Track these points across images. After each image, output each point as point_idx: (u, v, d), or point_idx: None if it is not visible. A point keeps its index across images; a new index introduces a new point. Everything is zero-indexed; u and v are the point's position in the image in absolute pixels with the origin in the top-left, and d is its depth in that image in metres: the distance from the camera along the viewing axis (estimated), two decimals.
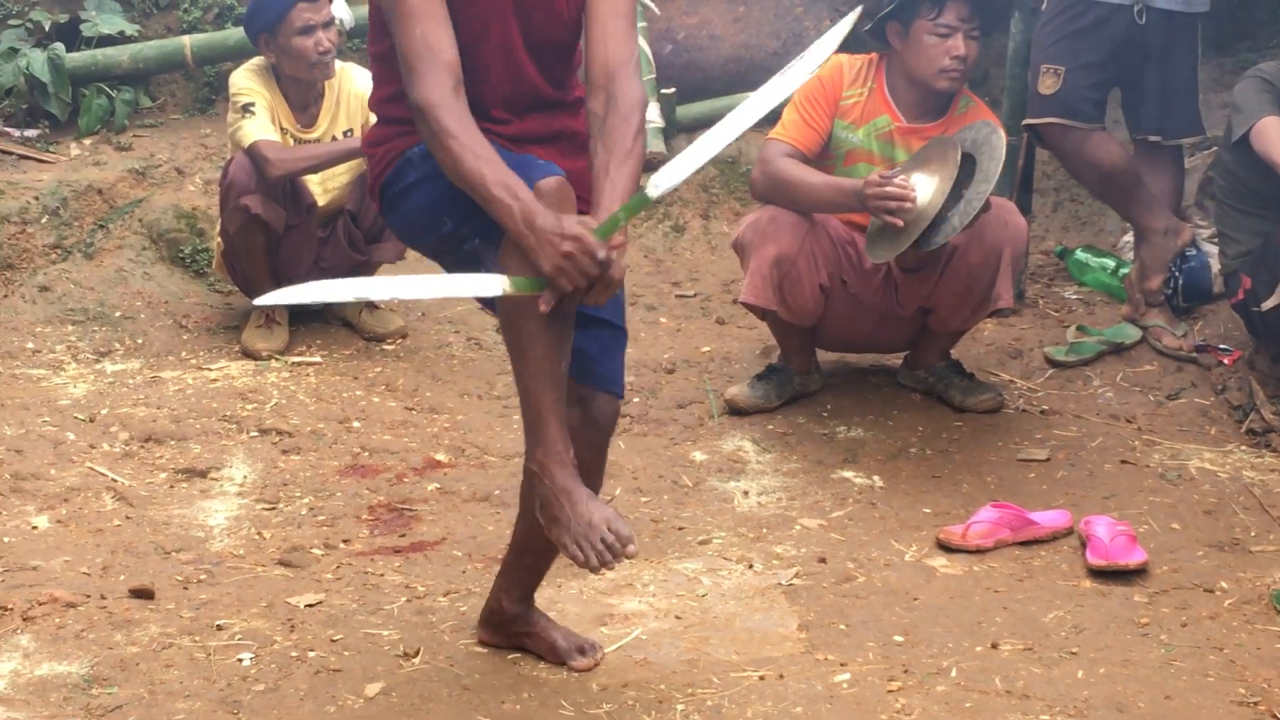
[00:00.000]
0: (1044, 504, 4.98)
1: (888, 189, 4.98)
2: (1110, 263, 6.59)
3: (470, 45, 3.45)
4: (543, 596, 4.24)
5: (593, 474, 3.71)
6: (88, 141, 7.53)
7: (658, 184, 3.39)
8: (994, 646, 4.12)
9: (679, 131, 7.45)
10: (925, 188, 5.02)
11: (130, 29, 7.77)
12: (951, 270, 5.31)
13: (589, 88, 3.50)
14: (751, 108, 3.53)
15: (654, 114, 7.35)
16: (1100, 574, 4.52)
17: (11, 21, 7.73)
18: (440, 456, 5.32)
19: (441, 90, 3.33)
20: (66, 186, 7.00)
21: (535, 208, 3.22)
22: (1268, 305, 5.45)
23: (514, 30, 3.51)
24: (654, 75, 7.38)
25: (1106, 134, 6.03)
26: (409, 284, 3.75)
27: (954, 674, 3.98)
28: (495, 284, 3.31)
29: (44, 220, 6.85)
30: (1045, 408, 5.70)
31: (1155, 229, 6.06)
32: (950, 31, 5.27)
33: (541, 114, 3.62)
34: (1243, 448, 5.41)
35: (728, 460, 5.34)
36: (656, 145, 7.32)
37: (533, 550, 3.89)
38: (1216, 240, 5.92)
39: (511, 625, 4.02)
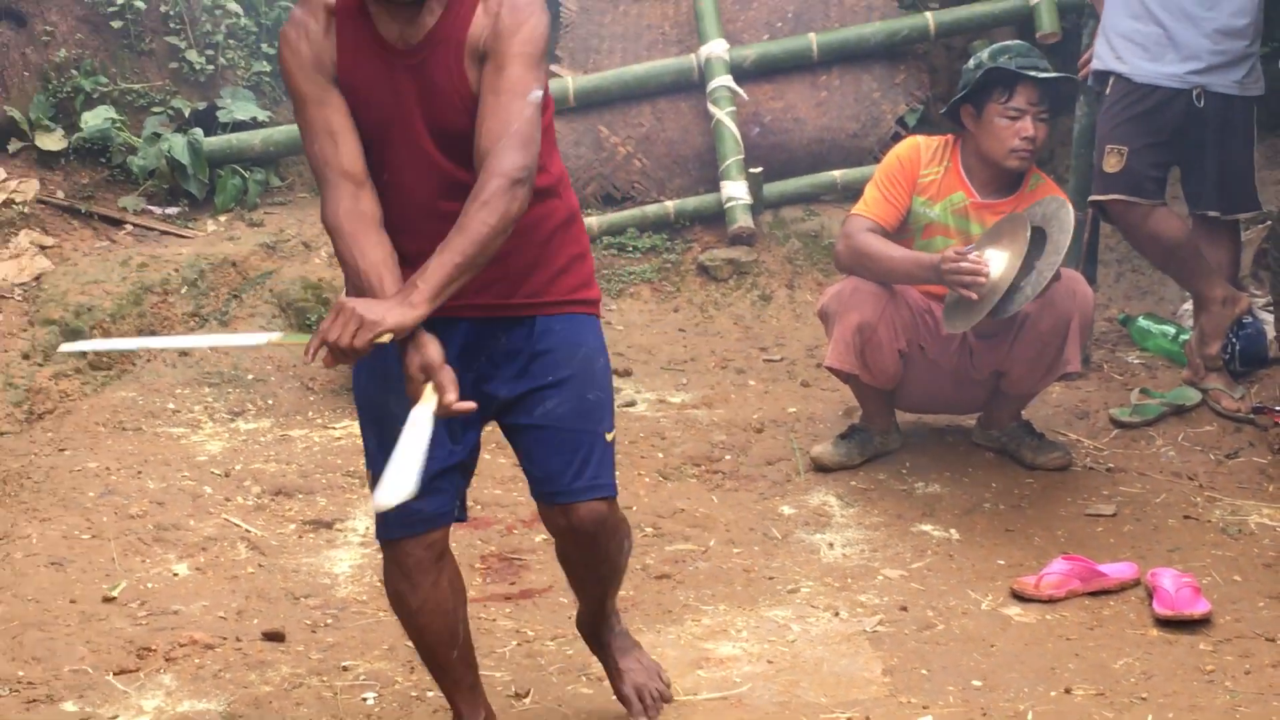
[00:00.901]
0: (1112, 556, 4.93)
1: (963, 264, 4.96)
2: (1171, 329, 6.54)
3: (379, 141, 3.33)
4: (645, 640, 4.23)
5: (590, 568, 3.68)
6: (223, 218, 7.62)
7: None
8: (1067, 691, 4.08)
9: (766, 208, 7.45)
10: (998, 262, 5.00)
11: (262, 115, 7.87)
12: (1023, 336, 5.29)
13: (477, 168, 3.23)
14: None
15: (742, 191, 7.36)
16: (1167, 623, 4.47)
17: (155, 109, 7.84)
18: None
19: (337, 207, 3.24)
20: (204, 260, 7.07)
21: (377, 292, 3.14)
22: None
23: (418, 123, 3.31)
24: (741, 155, 7.40)
25: (1168, 209, 5.98)
26: (192, 339, 3.55)
27: (1030, 717, 3.94)
28: (264, 337, 3.25)
29: (184, 290, 6.93)
30: (1111, 465, 5.65)
31: (1214, 298, 6.01)
32: (1020, 114, 5.25)
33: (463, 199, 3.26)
34: None
35: (814, 514, 5.32)
36: (745, 220, 7.33)
37: (582, 597, 3.89)
38: (1272, 308, 5.87)
39: (592, 645, 4.00)
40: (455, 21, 3.26)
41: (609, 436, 3.54)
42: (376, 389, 3.43)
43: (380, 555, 4.82)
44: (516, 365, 3.46)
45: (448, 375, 3.10)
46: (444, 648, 3.63)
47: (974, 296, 4.96)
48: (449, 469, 3.45)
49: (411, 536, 3.47)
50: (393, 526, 3.44)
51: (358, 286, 3.21)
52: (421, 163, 3.34)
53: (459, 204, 3.18)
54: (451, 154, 3.32)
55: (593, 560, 3.64)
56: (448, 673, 3.67)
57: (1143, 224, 5.96)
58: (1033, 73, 5.21)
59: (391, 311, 3.05)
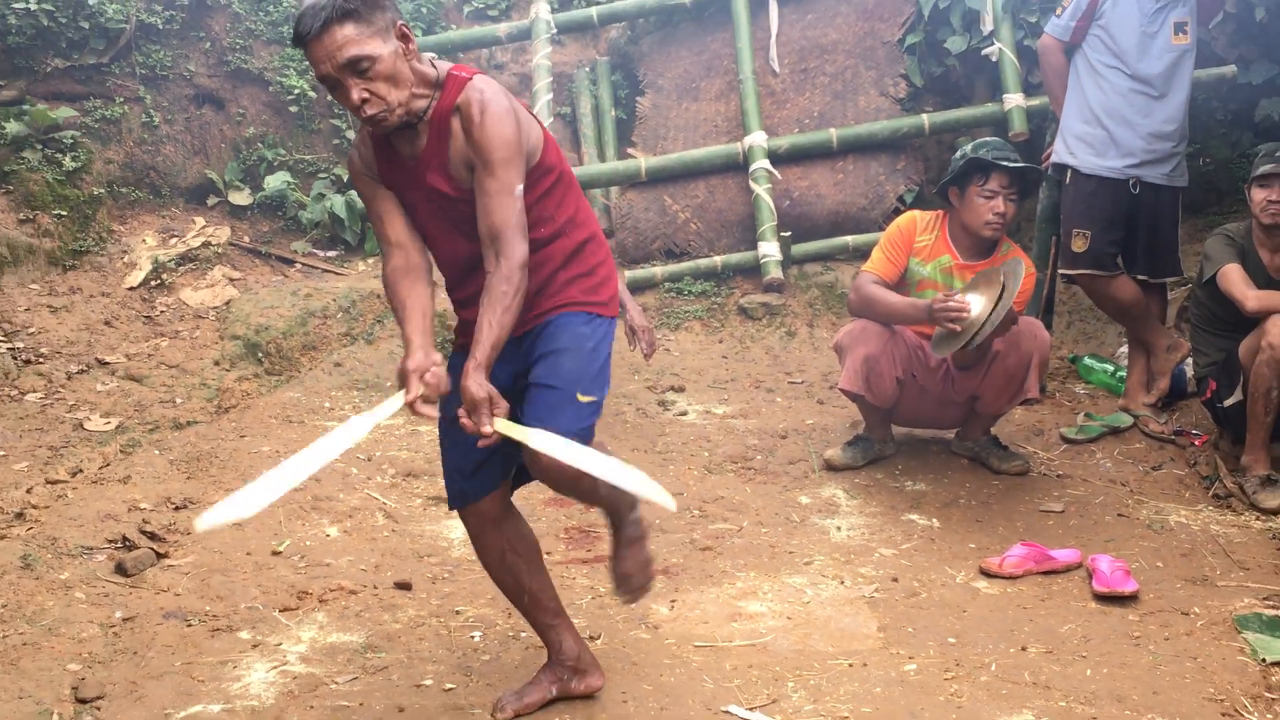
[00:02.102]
0: (1060, 544, 4.88)
1: (950, 304, 4.94)
2: (1110, 367, 6.48)
3: (418, 221, 3.39)
4: (688, 600, 4.22)
5: (585, 496, 3.52)
6: (370, 260, 7.67)
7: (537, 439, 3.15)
8: (1023, 649, 4.04)
9: (792, 263, 7.43)
10: (976, 304, 4.98)
11: None
12: (994, 369, 5.26)
13: (482, 246, 3.21)
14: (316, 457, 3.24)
15: (774, 250, 7.35)
16: (1103, 598, 4.42)
17: (321, 175, 7.92)
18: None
19: (387, 265, 3.35)
20: (355, 292, 7.12)
21: (413, 348, 3.16)
22: (1228, 402, 5.40)
23: (432, 208, 3.35)
24: (775, 222, 7.39)
25: (1125, 277, 5.94)
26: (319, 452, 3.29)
27: (994, 668, 3.91)
28: (367, 423, 3.20)
29: (339, 315, 6.97)
30: (1060, 473, 5.59)
31: (1160, 345, 5.98)
32: (994, 195, 5.23)
33: (480, 270, 3.27)
34: (1210, 508, 5.27)
35: (825, 503, 5.29)
36: (776, 273, 7.32)
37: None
38: (1191, 354, 5.82)
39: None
40: (439, 140, 3.26)
41: (582, 398, 3.32)
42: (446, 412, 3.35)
43: None
44: (523, 357, 3.41)
45: (414, 380, 3.10)
46: (515, 594, 3.65)
47: (958, 329, 4.94)
48: (483, 457, 3.39)
49: (463, 508, 3.54)
50: (453, 502, 3.55)
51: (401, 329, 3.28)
52: (446, 236, 3.37)
53: (468, 262, 3.30)
54: (464, 231, 3.32)
55: (578, 494, 3.49)
56: (526, 613, 3.70)
57: (1105, 290, 5.94)
58: (1004, 162, 5.19)
59: (469, 381, 3.08)
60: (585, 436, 3.31)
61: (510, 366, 3.38)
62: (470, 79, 3.25)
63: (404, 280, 3.32)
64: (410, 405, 3.11)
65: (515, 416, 3.27)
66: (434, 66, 3.27)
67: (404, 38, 3.17)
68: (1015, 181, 5.24)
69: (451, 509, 3.57)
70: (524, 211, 3.23)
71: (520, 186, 3.22)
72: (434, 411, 3.13)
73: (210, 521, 3.02)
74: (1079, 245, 5.89)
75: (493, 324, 3.13)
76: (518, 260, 3.17)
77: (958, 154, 5.39)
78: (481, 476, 3.48)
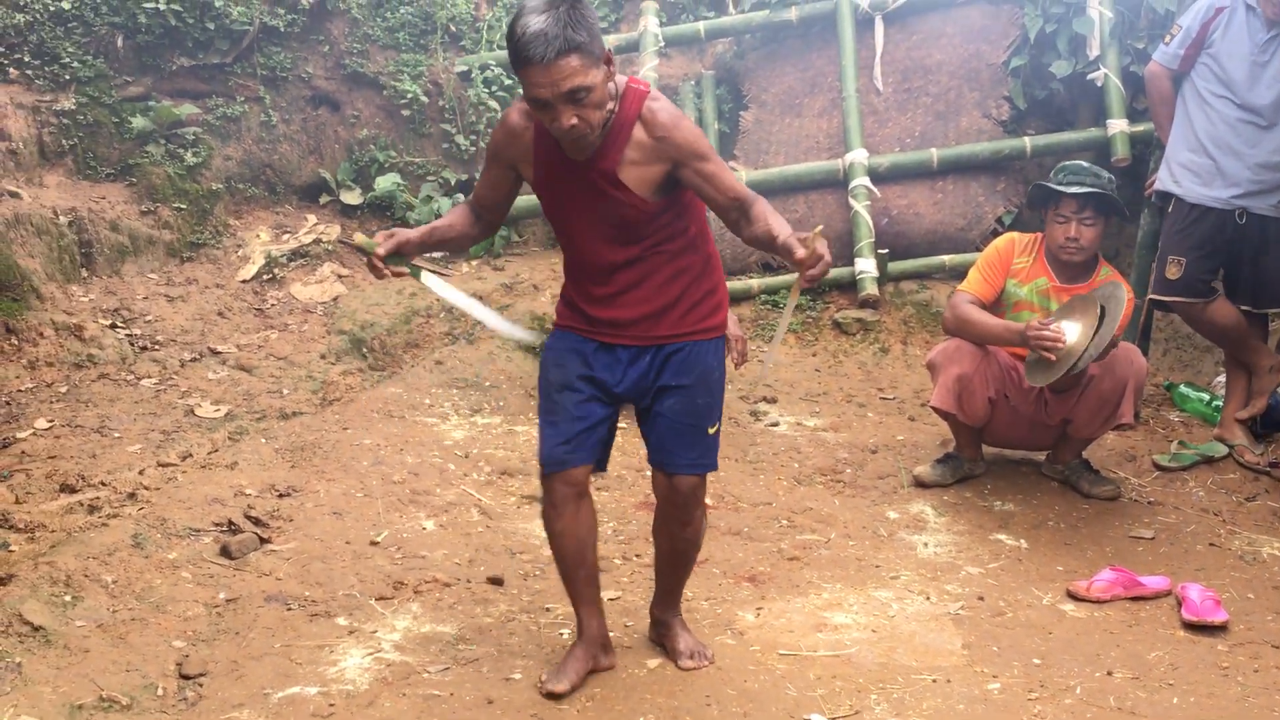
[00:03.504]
0: (1149, 570, 4.80)
1: (1044, 333, 4.89)
2: (1205, 396, 6.36)
3: (564, 222, 3.61)
4: (774, 608, 4.21)
5: (678, 530, 3.79)
6: (474, 263, 7.73)
7: (426, 280, 3.69)
8: (1109, 674, 3.99)
9: (888, 281, 7.38)
10: (1071, 332, 4.92)
11: None
12: (1089, 393, 5.18)
13: (725, 221, 3.53)
14: (484, 313, 3.88)
15: (871, 266, 7.30)
16: (1192, 627, 4.35)
17: (429, 177, 7.99)
18: (708, 500, 5.31)
19: (463, 204, 3.79)
20: None
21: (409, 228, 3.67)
22: None
23: (589, 214, 3.52)
24: (872, 239, 7.35)
25: (1222, 300, 5.84)
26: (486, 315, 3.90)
27: (1078, 691, 3.86)
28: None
29: (441, 316, 7.04)
30: (1152, 500, 5.50)
31: (1262, 366, 5.87)
32: (1066, 220, 5.20)
33: (628, 268, 3.60)
34: None
35: (913, 519, 5.25)
36: (872, 289, 7.26)
37: (662, 574, 3.97)
38: None
39: (659, 627, 4.03)
40: (615, 146, 3.43)
41: (712, 430, 3.70)
42: (555, 367, 3.71)
43: None
44: (654, 372, 3.67)
45: (383, 236, 3.55)
46: (574, 565, 3.79)
47: (1052, 358, 4.89)
48: (587, 429, 3.66)
49: (559, 473, 3.67)
50: (549, 465, 3.67)
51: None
52: (592, 238, 3.57)
53: (618, 263, 3.56)
54: (613, 233, 3.55)
55: (681, 520, 3.76)
56: (575, 585, 3.84)
57: (1201, 315, 5.84)
58: (1067, 188, 5.14)
59: (793, 240, 3.35)
60: (713, 463, 3.75)
61: (636, 373, 3.66)
62: (647, 91, 3.45)
63: (460, 211, 3.75)
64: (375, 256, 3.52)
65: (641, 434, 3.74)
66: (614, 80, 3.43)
67: (609, 62, 3.33)
68: (1089, 206, 5.17)
69: (545, 473, 3.70)
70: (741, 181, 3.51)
71: (726, 165, 3.51)
72: (385, 268, 3.54)
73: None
74: (1173, 272, 5.80)
75: (779, 220, 3.42)
76: (761, 209, 3.46)
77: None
78: (582, 447, 3.67)
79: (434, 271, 3.83)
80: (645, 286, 3.61)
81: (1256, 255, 5.79)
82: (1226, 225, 5.73)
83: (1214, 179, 5.74)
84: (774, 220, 3.43)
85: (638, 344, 3.65)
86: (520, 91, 3.38)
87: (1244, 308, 5.88)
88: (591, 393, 3.67)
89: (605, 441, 3.76)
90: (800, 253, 3.28)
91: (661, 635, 4.01)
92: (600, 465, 3.80)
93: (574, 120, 3.26)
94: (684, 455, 3.67)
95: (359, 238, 3.63)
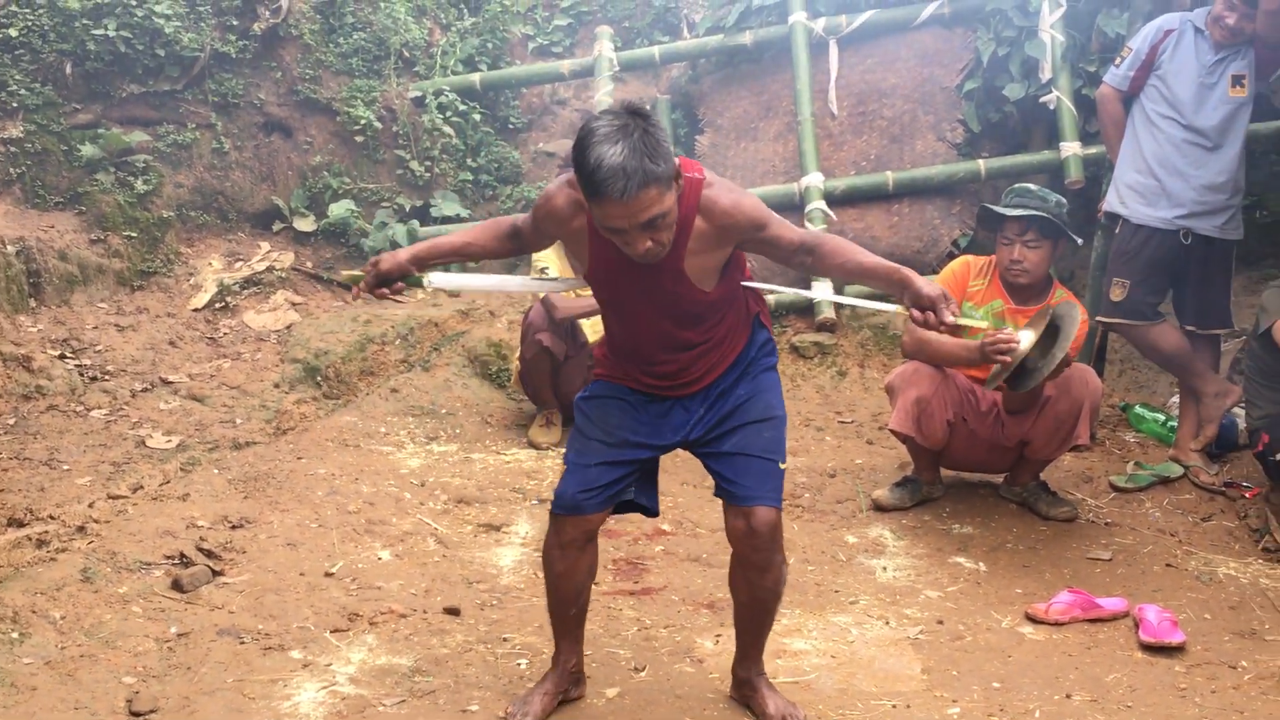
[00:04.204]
0: (1107, 592, 4.83)
1: (1000, 336, 4.91)
2: (1161, 417, 6.42)
3: (617, 305, 3.56)
4: (733, 635, 4.19)
5: (759, 575, 3.61)
6: (430, 289, 7.70)
7: (433, 280, 3.73)
8: (1068, 697, 4.00)
9: (844, 307, 7.41)
10: (1026, 338, 4.94)
11: (464, 213, 7.97)
12: (1045, 415, 5.22)
13: (790, 266, 3.56)
14: (519, 282, 4.15)
15: (827, 290, 7.33)
16: (1149, 649, 4.38)
17: (384, 204, 7.98)
18: (665, 527, 5.32)
19: (464, 229, 3.85)
20: (413, 320, 7.16)
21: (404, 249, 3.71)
22: None
23: (650, 305, 3.47)
24: None
25: (1167, 324, 5.90)
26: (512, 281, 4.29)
27: (1038, 715, 3.88)
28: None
29: (396, 342, 7.01)
30: (1109, 521, 5.54)
31: (1208, 392, 5.92)
32: (1010, 242, 5.27)
33: (686, 350, 3.58)
34: (1260, 561, 5.20)
35: (872, 543, 5.26)
36: (829, 313, 7.30)
37: (744, 629, 3.79)
38: (1244, 405, 5.75)
39: (742, 688, 3.87)
40: (677, 243, 3.35)
41: (781, 466, 3.61)
42: (596, 414, 3.65)
43: (535, 553, 4.87)
44: (711, 414, 3.61)
45: (368, 267, 3.63)
46: (568, 605, 3.75)
47: (1008, 360, 4.90)
48: (613, 481, 3.60)
49: (571, 516, 3.60)
50: (563, 508, 3.60)
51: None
52: (648, 326, 3.53)
53: (675, 345, 3.53)
54: (673, 322, 3.51)
55: (760, 565, 3.59)
56: (563, 622, 3.79)
57: (1144, 338, 5.90)
58: (1009, 210, 5.19)
59: (921, 283, 3.45)
60: (780, 497, 3.61)
61: (693, 418, 3.61)
62: (703, 179, 3.36)
63: (490, 230, 3.66)
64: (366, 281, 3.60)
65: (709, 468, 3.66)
66: None
67: (679, 176, 3.25)
68: (1033, 228, 5.22)
69: (556, 513, 3.62)
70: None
71: (782, 222, 3.46)
72: (373, 293, 3.61)
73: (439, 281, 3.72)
74: (1117, 294, 5.87)
75: (866, 255, 3.48)
76: (833, 242, 3.50)
77: None
78: (602, 495, 3.60)
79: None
80: (703, 361, 3.59)
81: (1201, 276, 5.86)
82: (1171, 246, 5.80)
83: (1159, 200, 5.81)
84: (863, 254, 3.47)
85: (686, 394, 3.62)
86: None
87: (1189, 328, 5.95)
88: (627, 442, 3.60)
89: (626, 488, 3.65)
90: (930, 290, 3.38)
91: (746, 696, 3.84)
92: (649, 508, 3.72)
93: (649, 244, 3.20)
94: (759, 487, 3.55)
95: (344, 274, 3.63)
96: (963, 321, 3.56)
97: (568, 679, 3.82)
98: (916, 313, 3.44)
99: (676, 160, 3.23)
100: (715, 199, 3.36)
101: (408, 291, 3.70)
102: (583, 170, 3.11)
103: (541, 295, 3.87)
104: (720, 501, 3.64)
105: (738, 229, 3.40)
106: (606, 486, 3.59)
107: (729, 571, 3.70)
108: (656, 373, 3.60)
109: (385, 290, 3.62)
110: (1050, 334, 4.90)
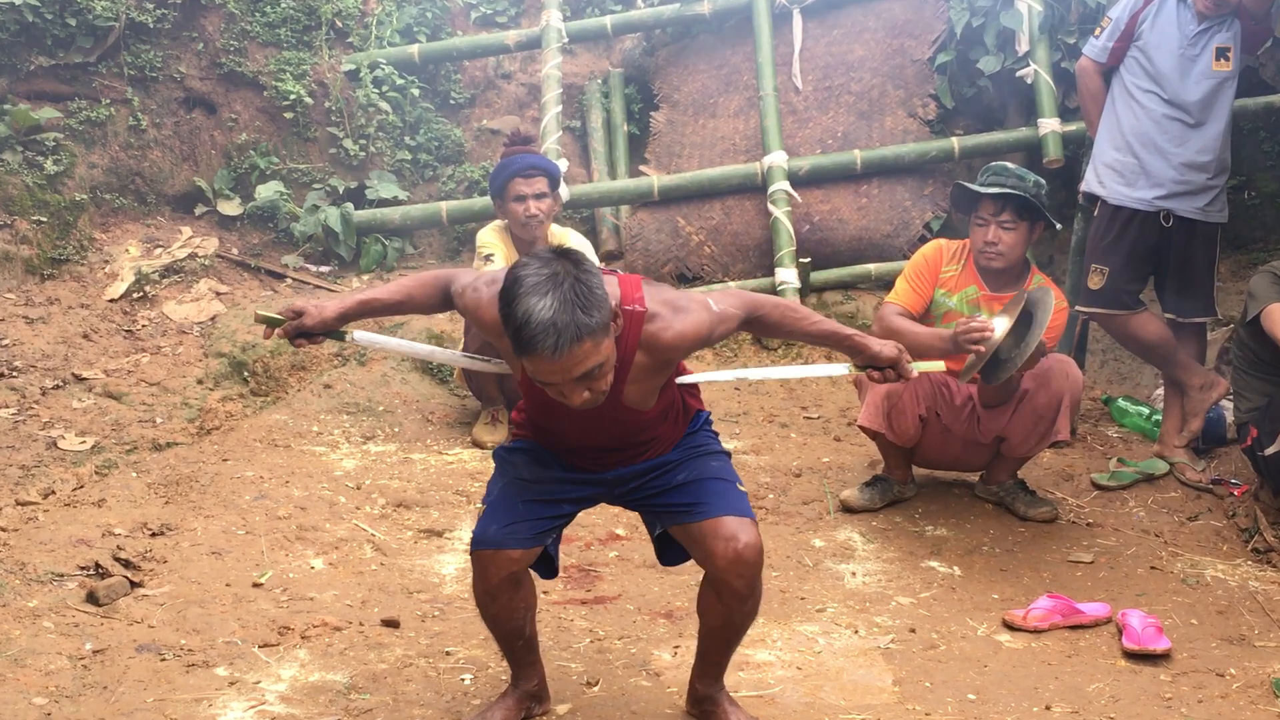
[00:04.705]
0: (1088, 597, 4.87)
1: (973, 324, 4.94)
2: (1145, 410, 6.48)
3: (550, 414, 3.54)
4: (693, 646, 4.19)
5: (744, 599, 3.57)
6: (365, 277, 7.68)
7: (357, 338, 3.75)
8: (1048, 708, 4.03)
9: (811, 291, 7.44)
10: (1000, 325, 4.98)
11: (402, 195, 7.94)
12: (1023, 409, 5.26)
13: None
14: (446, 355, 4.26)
15: (792, 276, 7.36)
16: (1133, 656, 4.42)
17: (315, 185, 7.93)
18: (620, 531, 5.32)
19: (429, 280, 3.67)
20: None
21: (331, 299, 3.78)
22: (1270, 451, 5.36)
23: (584, 417, 3.45)
24: (794, 247, 7.41)
25: (1147, 314, 5.95)
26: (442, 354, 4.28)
27: None
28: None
29: None
30: (1090, 521, 5.59)
31: (1193, 385, 5.98)
32: (984, 222, 5.29)
33: (618, 453, 3.63)
34: (1249, 562, 5.27)
35: (840, 547, 5.29)
36: (794, 301, 7.33)
37: (712, 648, 3.77)
38: (1231, 397, 5.81)
39: (703, 704, 3.86)
40: (617, 379, 3.35)
41: (741, 488, 3.64)
42: (528, 464, 3.65)
43: None
44: (649, 474, 3.66)
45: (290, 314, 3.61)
46: (513, 639, 3.75)
47: (981, 349, 4.93)
48: (537, 519, 3.58)
49: (490, 551, 3.56)
50: (481, 544, 3.56)
51: None
52: (582, 440, 3.58)
53: (608, 449, 3.59)
54: (608, 437, 3.56)
55: (745, 592, 3.55)
56: (512, 652, 3.80)
57: (1124, 329, 5.95)
58: (984, 188, 5.22)
59: (882, 347, 3.69)
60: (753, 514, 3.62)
61: (625, 473, 3.64)
62: (645, 312, 3.36)
63: (424, 283, 3.64)
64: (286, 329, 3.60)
65: (659, 515, 3.68)
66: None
67: (617, 316, 3.24)
68: (1008, 208, 5.24)
69: (475, 550, 3.59)
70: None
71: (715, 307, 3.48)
72: (292, 341, 3.61)
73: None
74: (1095, 282, 5.91)
75: (812, 323, 3.66)
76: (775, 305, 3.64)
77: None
78: (524, 532, 3.56)
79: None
80: (637, 451, 3.64)
81: (1183, 262, 5.91)
82: (1152, 229, 5.85)
83: (1138, 179, 5.86)
84: (809, 321, 3.63)
85: (622, 468, 3.66)
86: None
87: (1170, 316, 6.00)
88: (559, 481, 3.62)
89: (555, 538, 3.68)
90: (887, 351, 3.60)
91: (707, 712, 3.83)
92: (552, 570, 3.73)
93: (585, 395, 3.20)
94: (732, 503, 3.55)
95: (260, 313, 3.62)
96: (922, 367, 3.85)
97: (529, 699, 3.84)
98: (875, 373, 3.68)
99: (613, 299, 3.22)
100: (657, 335, 3.37)
101: (328, 341, 3.70)
102: (510, 324, 3.08)
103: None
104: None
105: (681, 354, 3.47)
106: (534, 522, 3.57)
107: (699, 594, 3.67)
108: (587, 459, 3.65)
109: (304, 341, 3.64)
110: (1024, 321, 4.94)
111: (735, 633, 3.72)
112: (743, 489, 3.63)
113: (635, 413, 3.50)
